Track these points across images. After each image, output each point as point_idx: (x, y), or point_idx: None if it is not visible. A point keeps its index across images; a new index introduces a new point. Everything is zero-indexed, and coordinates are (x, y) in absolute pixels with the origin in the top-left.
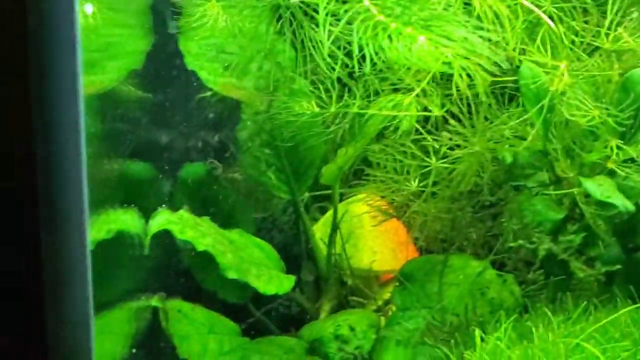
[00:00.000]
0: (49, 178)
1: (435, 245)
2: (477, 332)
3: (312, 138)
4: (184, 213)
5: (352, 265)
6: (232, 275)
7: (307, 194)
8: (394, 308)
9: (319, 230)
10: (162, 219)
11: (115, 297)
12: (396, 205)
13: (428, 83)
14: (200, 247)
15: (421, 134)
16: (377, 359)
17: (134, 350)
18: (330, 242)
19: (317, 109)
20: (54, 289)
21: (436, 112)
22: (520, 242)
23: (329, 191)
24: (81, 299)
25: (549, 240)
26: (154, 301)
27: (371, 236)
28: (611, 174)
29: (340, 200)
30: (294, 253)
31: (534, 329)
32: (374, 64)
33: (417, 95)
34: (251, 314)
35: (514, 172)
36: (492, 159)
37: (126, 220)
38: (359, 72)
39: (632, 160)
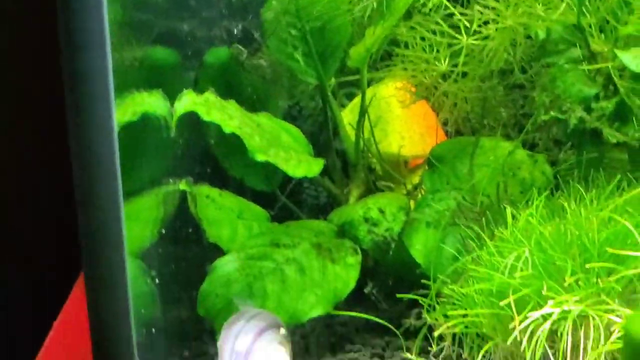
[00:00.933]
0: (73, 65)
1: (465, 127)
2: (509, 210)
3: (339, 18)
4: (209, 95)
5: (381, 150)
6: (260, 157)
7: (334, 79)
8: (423, 191)
9: (347, 116)
10: (188, 100)
11: (142, 182)
12: (425, 87)
13: None
14: (228, 129)
15: (451, 10)
16: (407, 241)
17: (162, 233)
18: (359, 127)
19: None
20: (82, 175)
21: None
22: (552, 113)
23: (357, 76)
24: (110, 185)
25: (581, 109)
26: (182, 185)
27: (400, 120)
28: None
29: (368, 85)
30: (322, 140)
31: (566, 206)
32: None
33: None
34: (279, 201)
35: (547, 48)
36: (524, 36)
37: (151, 102)
38: None
39: None
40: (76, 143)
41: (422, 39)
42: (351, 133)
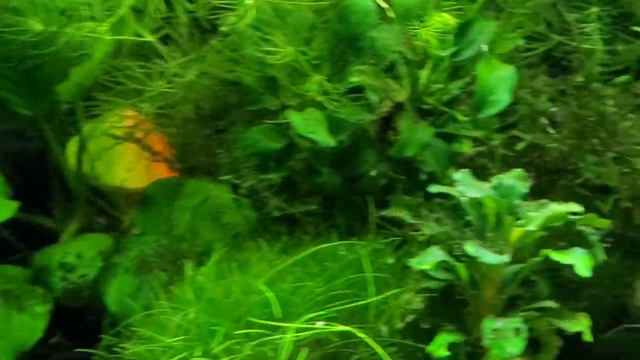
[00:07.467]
0: None
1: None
2: (187, 265)
3: (41, 56)
4: None
5: (104, 183)
6: None
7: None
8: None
9: (73, 146)
10: None
11: None
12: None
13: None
14: None
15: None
16: (103, 287)
17: None
18: (79, 160)
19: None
20: None
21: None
22: (229, 177)
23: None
24: None
25: (254, 176)
26: None
27: (125, 152)
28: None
29: (95, 116)
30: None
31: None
32: None
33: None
34: None
35: (246, 97)
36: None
37: None
38: None
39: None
40: None
41: (118, 83)
42: (75, 164)
